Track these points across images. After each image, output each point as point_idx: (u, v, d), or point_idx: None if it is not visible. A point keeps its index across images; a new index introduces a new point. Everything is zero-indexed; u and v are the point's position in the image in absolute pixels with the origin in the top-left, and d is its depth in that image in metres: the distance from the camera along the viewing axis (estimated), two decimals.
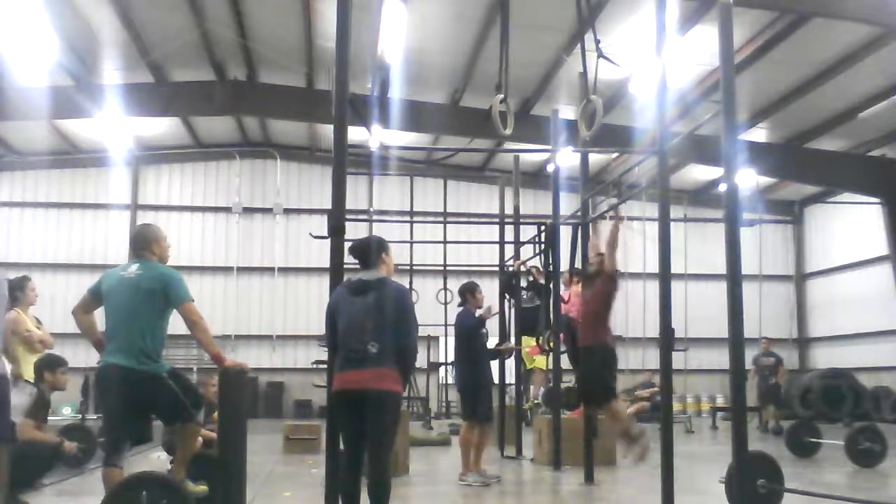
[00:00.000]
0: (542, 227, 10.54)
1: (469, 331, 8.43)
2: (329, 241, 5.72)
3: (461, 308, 8.63)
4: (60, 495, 7.64)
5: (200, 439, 7.83)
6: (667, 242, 6.56)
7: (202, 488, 5.83)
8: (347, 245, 5.55)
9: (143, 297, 5.15)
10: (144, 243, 5.40)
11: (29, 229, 22.81)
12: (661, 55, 6.80)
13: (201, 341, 5.27)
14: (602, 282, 8.08)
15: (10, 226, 22.78)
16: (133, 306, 5.14)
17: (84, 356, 21.76)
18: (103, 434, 5.54)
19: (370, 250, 5.27)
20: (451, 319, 9.24)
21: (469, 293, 8.56)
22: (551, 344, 9.91)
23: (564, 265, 9.97)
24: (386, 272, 5.29)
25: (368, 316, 5.01)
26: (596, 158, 19.69)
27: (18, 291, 7.65)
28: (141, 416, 5.26)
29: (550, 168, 14.27)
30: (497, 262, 12.81)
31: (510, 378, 13.15)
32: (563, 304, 9.96)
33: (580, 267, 9.59)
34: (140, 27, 15.18)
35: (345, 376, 5.03)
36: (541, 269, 10.75)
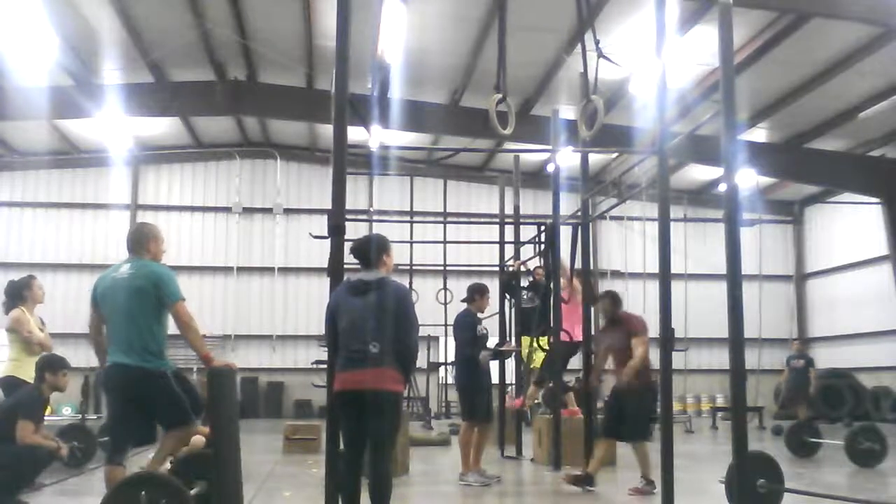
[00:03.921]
0: (542, 227, 10.54)
1: (465, 328, 8.42)
2: (329, 241, 5.72)
3: (464, 307, 8.63)
4: (60, 495, 7.64)
5: (203, 438, 7.83)
6: (667, 242, 6.55)
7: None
8: (348, 245, 5.56)
9: (136, 295, 5.16)
10: (141, 241, 5.41)
11: (29, 229, 22.81)
12: (660, 55, 6.80)
13: (191, 341, 5.26)
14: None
15: (10, 226, 22.79)
16: (128, 306, 5.16)
17: (84, 356, 21.82)
18: (107, 432, 5.55)
19: (371, 251, 5.27)
20: (451, 319, 9.23)
21: (478, 293, 8.52)
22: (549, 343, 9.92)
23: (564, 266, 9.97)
24: (385, 272, 5.29)
25: (369, 316, 5.02)
26: (596, 158, 19.67)
27: (26, 290, 7.64)
28: (143, 414, 5.26)
29: (550, 168, 14.28)
30: (497, 262, 12.80)
31: (510, 378, 13.15)
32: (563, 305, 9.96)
33: (580, 267, 9.61)
34: (140, 27, 15.18)
35: (346, 376, 5.04)
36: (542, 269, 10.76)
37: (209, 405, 5.09)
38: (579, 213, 9.63)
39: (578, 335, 9.87)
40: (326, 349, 5.42)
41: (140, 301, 5.15)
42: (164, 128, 21.22)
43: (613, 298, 8.10)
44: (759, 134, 18.77)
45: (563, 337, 9.85)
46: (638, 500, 7.35)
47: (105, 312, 5.28)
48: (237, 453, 5.08)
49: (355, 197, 19.33)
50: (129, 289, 5.17)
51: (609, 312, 8.03)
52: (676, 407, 19.97)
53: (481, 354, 8.28)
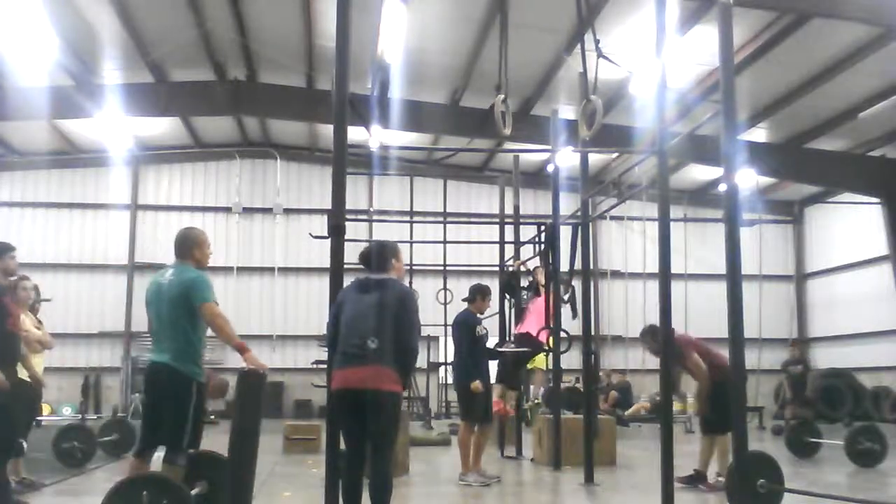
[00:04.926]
0: (542, 227, 10.54)
1: (464, 329, 8.43)
2: (329, 241, 5.72)
3: (464, 307, 8.64)
4: (60, 495, 7.65)
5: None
6: (667, 242, 6.56)
7: None
8: (353, 246, 5.59)
9: (173, 301, 5.32)
10: (185, 247, 5.56)
11: (29, 229, 22.78)
12: (660, 55, 6.80)
13: (222, 337, 5.40)
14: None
15: (10, 226, 22.75)
16: (167, 311, 5.33)
17: (84, 356, 21.93)
18: (141, 428, 5.68)
19: (381, 256, 5.36)
20: (451, 319, 9.24)
21: (480, 294, 8.57)
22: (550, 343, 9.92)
23: (565, 265, 9.96)
24: (396, 276, 5.35)
25: (371, 312, 5.04)
26: (596, 158, 19.68)
27: (16, 291, 7.68)
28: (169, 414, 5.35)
29: (550, 168, 14.27)
30: (497, 262, 12.80)
31: None
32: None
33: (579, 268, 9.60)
34: (140, 27, 15.18)
35: (344, 374, 5.04)
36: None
37: (236, 405, 5.14)
38: (579, 213, 9.62)
39: (542, 337, 9.89)
40: (327, 348, 5.44)
41: (176, 306, 5.30)
42: (164, 128, 21.21)
43: (652, 334, 8.08)
44: (759, 134, 18.76)
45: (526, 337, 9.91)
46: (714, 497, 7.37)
47: (150, 315, 5.51)
48: (254, 458, 5.10)
49: (355, 197, 19.36)
50: (168, 294, 5.35)
51: (655, 349, 8.07)
52: (676, 407, 19.99)
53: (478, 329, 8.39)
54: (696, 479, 8.00)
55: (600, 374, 18.45)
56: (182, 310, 5.29)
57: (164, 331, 5.32)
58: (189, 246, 5.56)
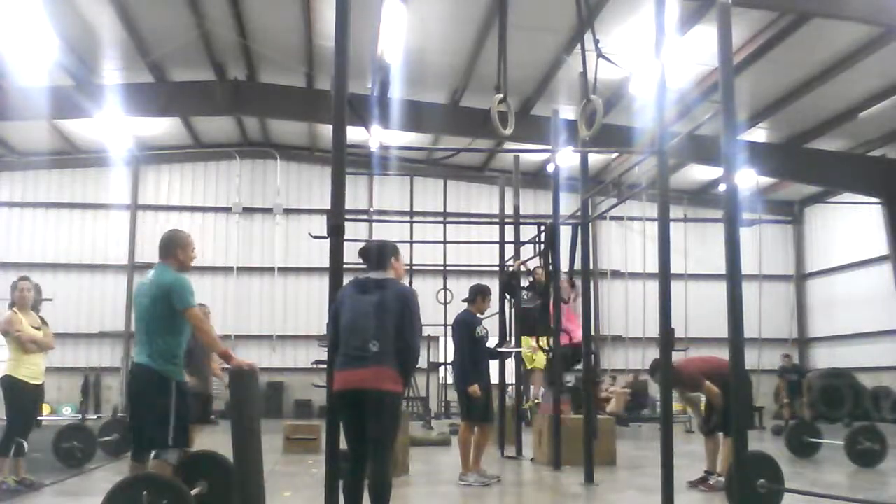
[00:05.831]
0: (542, 227, 10.54)
1: (464, 329, 8.43)
2: (329, 241, 5.72)
3: (464, 307, 8.64)
4: (60, 495, 7.65)
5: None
6: (667, 242, 6.55)
7: None
8: (353, 246, 5.58)
9: (153, 302, 5.31)
10: (169, 249, 5.56)
11: (29, 229, 22.81)
12: (660, 55, 6.80)
13: (205, 344, 5.46)
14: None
15: (10, 226, 22.79)
16: (148, 311, 5.32)
17: (84, 356, 21.94)
18: (130, 431, 5.70)
19: (381, 254, 5.33)
20: (451, 319, 9.23)
21: (480, 295, 8.57)
22: (550, 343, 9.92)
23: (564, 265, 9.97)
24: (395, 276, 5.33)
25: (372, 314, 5.03)
26: (596, 158, 19.69)
27: (12, 292, 7.72)
28: (154, 415, 5.34)
29: (550, 168, 14.28)
30: (497, 262, 12.80)
31: (510, 378, 13.16)
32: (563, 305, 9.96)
33: (579, 268, 9.60)
34: (140, 27, 15.18)
35: (345, 375, 5.03)
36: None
37: (231, 406, 5.12)
38: (579, 213, 9.62)
39: (578, 337, 9.87)
40: (327, 348, 5.43)
41: (155, 307, 5.30)
42: (164, 128, 21.22)
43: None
44: (759, 134, 18.76)
45: (564, 339, 9.88)
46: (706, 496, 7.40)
47: (135, 315, 5.54)
48: (260, 454, 5.09)
49: (355, 197, 19.36)
50: (148, 295, 5.36)
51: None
52: (676, 407, 19.99)
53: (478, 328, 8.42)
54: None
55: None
56: (159, 311, 5.27)
57: (144, 331, 5.32)
58: (173, 247, 5.54)
